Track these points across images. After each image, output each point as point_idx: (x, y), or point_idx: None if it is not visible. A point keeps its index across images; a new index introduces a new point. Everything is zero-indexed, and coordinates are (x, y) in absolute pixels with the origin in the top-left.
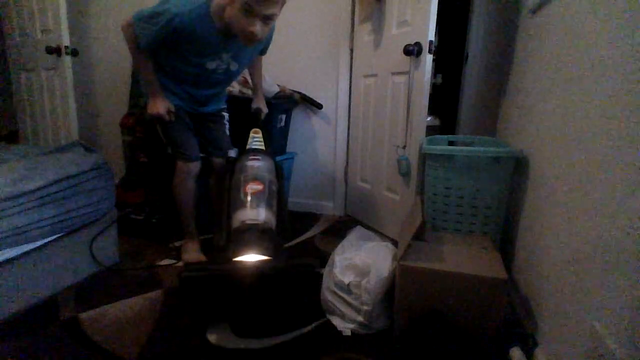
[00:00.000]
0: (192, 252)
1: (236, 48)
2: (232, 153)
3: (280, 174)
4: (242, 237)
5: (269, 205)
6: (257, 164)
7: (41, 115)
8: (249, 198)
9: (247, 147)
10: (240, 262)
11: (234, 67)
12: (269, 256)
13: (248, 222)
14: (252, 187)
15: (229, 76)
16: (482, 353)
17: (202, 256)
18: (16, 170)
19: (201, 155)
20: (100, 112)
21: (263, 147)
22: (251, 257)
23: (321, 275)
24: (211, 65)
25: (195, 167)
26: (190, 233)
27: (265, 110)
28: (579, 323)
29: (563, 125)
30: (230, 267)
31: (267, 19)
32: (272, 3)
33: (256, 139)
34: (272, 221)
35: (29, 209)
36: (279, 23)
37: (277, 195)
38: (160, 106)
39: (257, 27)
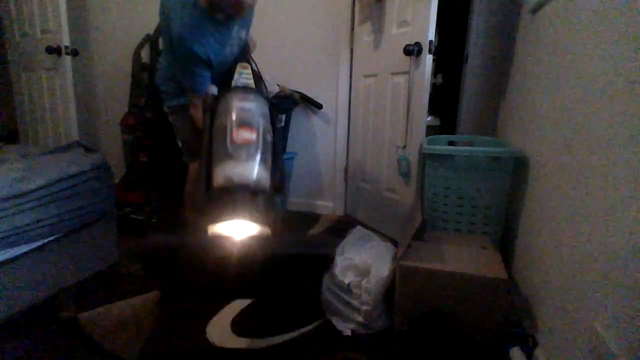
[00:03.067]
0: None
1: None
2: (213, 90)
3: (275, 122)
4: (227, 200)
5: (262, 160)
6: (248, 106)
7: (41, 115)
8: (237, 149)
9: (233, 84)
10: (225, 239)
11: (243, 34)
12: (261, 225)
13: (236, 180)
14: (242, 134)
15: (242, 44)
16: (482, 353)
17: None
18: (16, 170)
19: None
20: (100, 112)
21: (253, 85)
22: (237, 224)
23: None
24: (227, 49)
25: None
26: None
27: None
28: (579, 323)
29: (563, 125)
30: (210, 246)
31: None
32: None
33: (245, 76)
34: (267, 181)
35: (29, 209)
36: (279, 23)
37: (272, 149)
38: None
39: None
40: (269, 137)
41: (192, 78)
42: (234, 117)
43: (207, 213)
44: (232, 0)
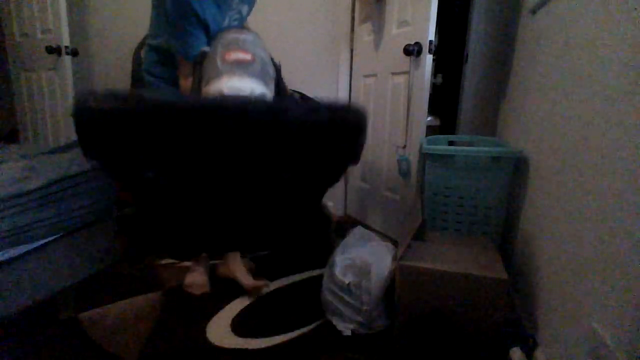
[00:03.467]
0: (197, 276)
1: None
2: (206, 48)
3: (279, 70)
4: None
5: (263, 80)
6: (244, 37)
7: (41, 115)
8: (230, 66)
9: None
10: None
11: (244, 10)
12: None
13: (229, 92)
14: (235, 54)
15: (242, 22)
16: (482, 353)
17: (207, 284)
18: (16, 170)
19: None
20: None
21: None
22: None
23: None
24: (226, 20)
25: None
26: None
27: None
28: (579, 323)
29: (563, 125)
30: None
31: None
32: None
33: None
34: (269, 99)
35: (29, 209)
36: (279, 23)
37: (276, 85)
38: None
39: None
40: (271, 72)
41: (184, 37)
42: (225, 42)
43: None
44: None
